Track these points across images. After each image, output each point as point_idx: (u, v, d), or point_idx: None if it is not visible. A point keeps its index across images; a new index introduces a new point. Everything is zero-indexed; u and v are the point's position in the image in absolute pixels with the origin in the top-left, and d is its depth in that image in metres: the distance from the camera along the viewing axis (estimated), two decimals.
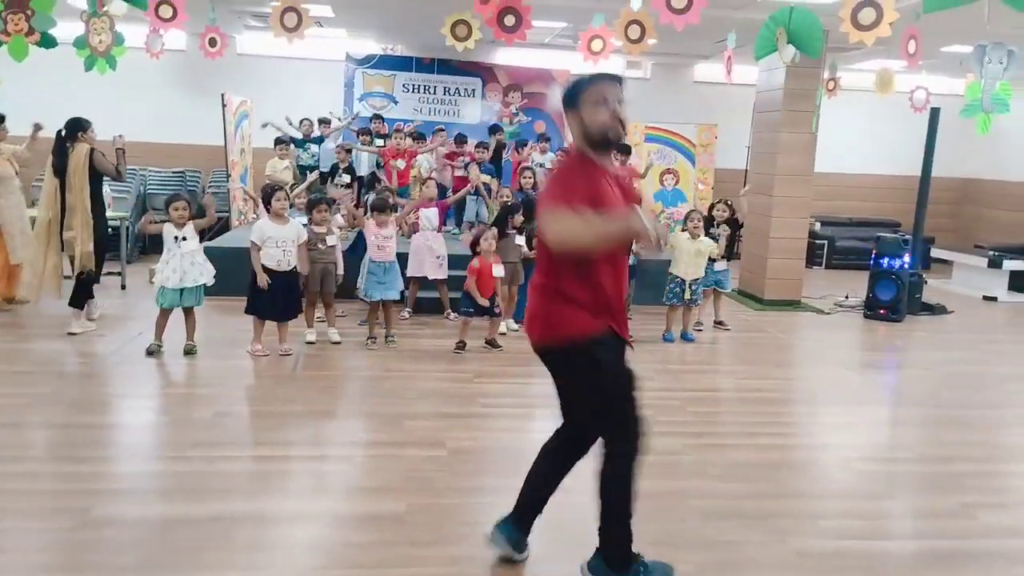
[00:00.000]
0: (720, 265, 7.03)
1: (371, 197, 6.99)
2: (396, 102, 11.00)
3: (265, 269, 5.55)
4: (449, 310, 6.91)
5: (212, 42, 7.78)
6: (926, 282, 8.64)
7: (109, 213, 6.47)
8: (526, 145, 9.50)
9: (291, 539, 3.11)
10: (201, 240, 5.73)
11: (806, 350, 7.03)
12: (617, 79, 2.74)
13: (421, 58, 11.05)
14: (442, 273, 6.87)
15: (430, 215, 6.89)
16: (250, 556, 2.97)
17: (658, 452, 4.17)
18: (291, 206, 6.00)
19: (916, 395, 5.71)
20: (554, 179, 2.87)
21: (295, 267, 5.70)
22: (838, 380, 5.91)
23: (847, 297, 8.87)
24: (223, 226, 8.81)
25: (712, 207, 7.48)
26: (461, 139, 9.18)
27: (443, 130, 9.77)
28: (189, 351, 5.53)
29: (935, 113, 8.48)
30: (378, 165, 9.04)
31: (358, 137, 9.29)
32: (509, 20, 6.18)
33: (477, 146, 8.77)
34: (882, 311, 8.05)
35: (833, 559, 3.14)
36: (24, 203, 6.72)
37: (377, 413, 4.65)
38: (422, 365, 5.64)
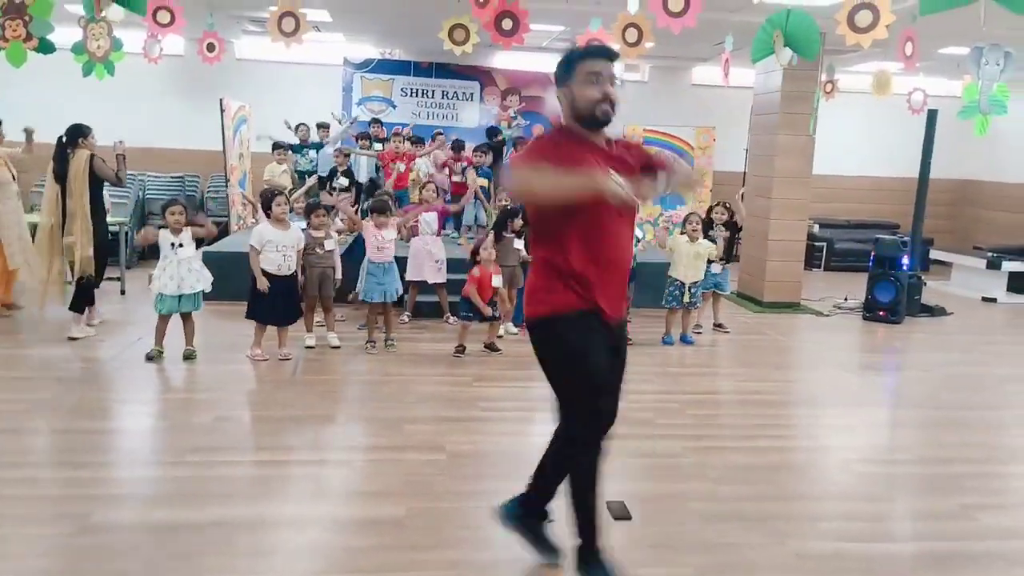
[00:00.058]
0: (716, 267, 7.04)
1: (370, 201, 6.99)
2: (394, 106, 11.01)
3: (265, 274, 5.55)
4: (448, 314, 6.92)
5: (210, 47, 7.78)
6: (925, 284, 8.64)
7: (108, 218, 6.47)
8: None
9: (291, 544, 3.11)
10: (199, 247, 5.73)
11: (805, 352, 7.03)
12: (611, 54, 2.69)
13: (419, 62, 11.05)
14: (441, 277, 6.87)
15: (429, 219, 6.90)
16: (250, 561, 2.97)
17: (658, 455, 4.21)
18: (290, 211, 6.01)
19: (915, 397, 5.72)
20: (526, 147, 2.89)
21: (295, 272, 5.71)
22: (837, 382, 5.91)
23: (846, 299, 8.87)
24: (222, 231, 8.80)
25: (711, 210, 7.49)
26: (458, 146, 9.04)
27: (441, 134, 9.78)
28: (188, 356, 5.53)
29: (933, 115, 8.49)
30: (377, 170, 9.04)
31: (356, 141, 9.30)
32: (507, 24, 6.18)
33: (475, 150, 8.75)
34: (881, 313, 8.06)
35: (833, 561, 3.15)
36: (22, 209, 6.72)
37: (377, 417, 4.65)
38: (421, 369, 5.65)
